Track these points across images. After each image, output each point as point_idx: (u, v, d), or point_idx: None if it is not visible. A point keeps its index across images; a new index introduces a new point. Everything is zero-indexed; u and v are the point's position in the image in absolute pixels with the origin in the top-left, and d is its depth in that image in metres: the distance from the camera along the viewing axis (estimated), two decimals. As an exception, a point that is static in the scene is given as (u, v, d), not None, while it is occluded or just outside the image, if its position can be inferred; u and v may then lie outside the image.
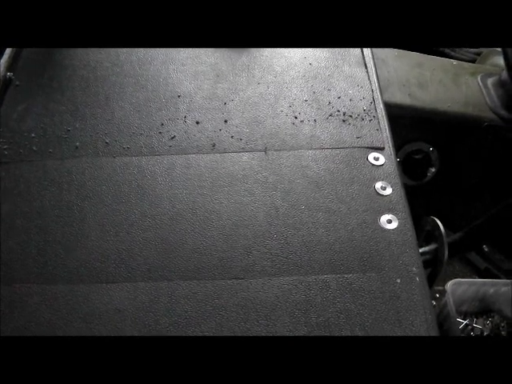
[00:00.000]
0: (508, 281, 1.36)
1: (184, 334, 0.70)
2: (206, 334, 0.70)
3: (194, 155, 0.90)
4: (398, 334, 0.72)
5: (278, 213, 0.83)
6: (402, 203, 0.85)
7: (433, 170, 1.47)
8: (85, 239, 0.80)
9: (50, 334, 0.70)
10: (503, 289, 1.33)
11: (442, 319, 1.26)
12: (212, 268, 0.76)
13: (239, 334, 0.70)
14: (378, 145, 0.93)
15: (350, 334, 0.71)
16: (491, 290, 1.33)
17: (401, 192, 0.86)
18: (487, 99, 1.47)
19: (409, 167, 1.44)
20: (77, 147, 0.92)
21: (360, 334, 0.71)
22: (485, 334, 1.38)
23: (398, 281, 0.76)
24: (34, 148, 0.92)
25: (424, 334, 0.72)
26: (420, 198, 1.46)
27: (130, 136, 0.93)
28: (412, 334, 0.72)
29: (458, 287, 1.26)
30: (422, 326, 0.72)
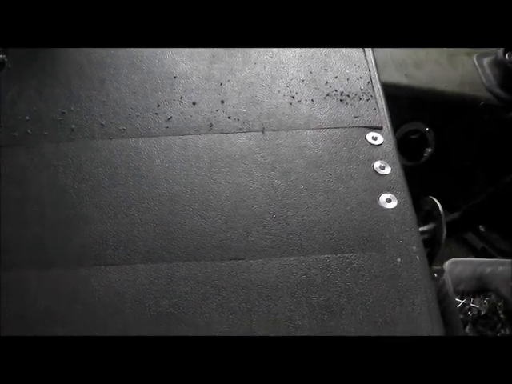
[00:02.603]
0: (505, 260, 1.37)
1: (184, 316, 0.70)
2: (207, 315, 0.70)
3: (191, 136, 0.89)
4: (399, 313, 0.72)
5: (277, 193, 0.82)
6: (400, 182, 0.85)
7: (429, 150, 1.46)
8: (82, 222, 0.79)
9: (49, 318, 0.69)
10: (500, 268, 1.34)
11: (441, 298, 1.26)
12: (211, 249, 0.76)
13: (240, 315, 0.70)
14: (376, 124, 0.92)
15: (351, 314, 0.71)
16: (488, 270, 1.33)
17: (399, 171, 0.86)
18: (483, 79, 1.46)
19: (405, 148, 1.43)
20: (72, 130, 0.91)
21: (361, 313, 0.71)
22: (482, 313, 1.39)
23: (399, 260, 0.76)
24: (29, 131, 0.90)
25: (425, 313, 0.72)
26: (417, 179, 1.46)
27: (125, 118, 0.92)
28: (413, 313, 0.72)
29: (456, 267, 1.26)
30: (422, 304, 0.72)
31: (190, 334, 0.68)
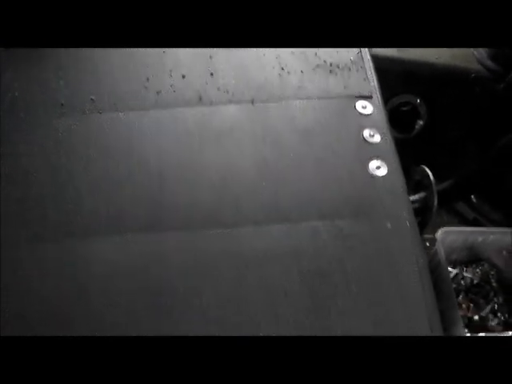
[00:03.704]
0: (496, 229, 1.38)
1: (175, 285, 0.70)
2: (196, 283, 0.71)
3: (180, 109, 0.89)
4: (390, 278, 0.72)
5: (267, 163, 0.82)
6: (390, 150, 0.85)
7: (421, 122, 1.47)
8: (73, 196, 0.79)
9: (40, 292, 0.70)
10: (491, 237, 1.35)
11: (433, 267, 1.28)
12: (202, 219, 0.77)
13: (230, 282, 0.71)
14: (366, 93, 0.92)
15: (342, 281, 0.71)
16: (480, 239, 1.34)
17: (389, 139, 0.86)
18: (474, 51, 1.46)
19: (397, 120, 1.43)
20: (62, 105, 0.91)
21: (352, 278, 0.72)
22: (475, 282, 1.41)
23: (389, 226, 0.77)
24: (19, 107, 0.90)
25: (415, 277, 0.72)
26: (408, 151, 1.46)
27: (115, 92, 0.92)
28: (403, 277, 0.73)
29: (448, 236, 1.27)
30: (413, 269, 0.73)
31: (180, 303, 0.69)
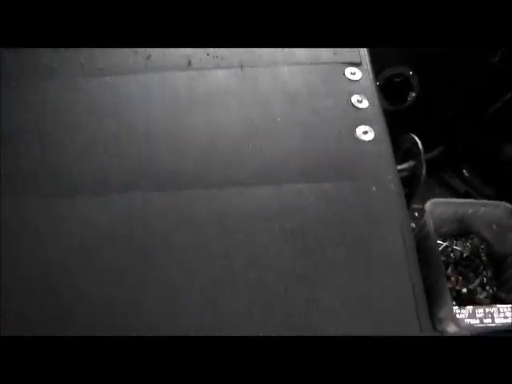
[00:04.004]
0: (486, 201, 1.37)
1: (158, 244, 0.71)
2: (181, 242, 0.71)
3: (169, 73, 0.89)
4: (374, 239, 0.73)
5: (254, 126, 0.83)
6: (378, 115, 0.85)
7: (413, 94, 1.46)
8: (60, 156, 0.80)
9: (23, 248, 0.71)
10: (482, 210, 1.34)
11: (421, 239, 1.28)
12: (188, 179, 0.77)
13: (215, 241, 0.71)
14: (355, 60, 0.92)
15: (326, 238, 0.72)
16: (470, 211, 1.33)
17: (377, 105, 0.86)
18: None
19: (389, 91, 1.43)
20: (52, 69, 0.91)
21: (336, 238, 0.72)
22: (464, 255, 1.41)
23: (374, 189, 0.77)
24: (10, 71, 0.90)
25: (399, 244, 0.73)
26: (399, 123, 1.46)
27: (104, 56, 0.92)
28: (387, 238, 0.73)
29: (437, 207, 1.27)
30: (396, 233, 0.74)
31: (166, 260, 0.70)
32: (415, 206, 1.37)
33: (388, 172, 0.79)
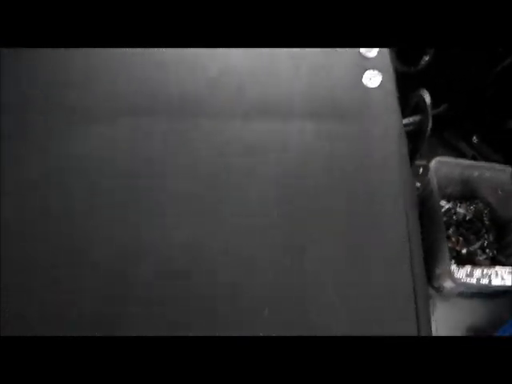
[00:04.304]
0: (492, 164, 1.37)
1: (160, 169, 0.73)
2: (181, 167, 0.73)
3: None
4: (370, 181, 0.74)
5: (261, 65, 0.84)
6: (386, 63, 0.86)
7: (426, 58, 1.45)
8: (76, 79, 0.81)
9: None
10: (487, 174, 1.34)
11: (425, 197, 1.29)
12: (193, 107, 0.78)
13: (214, 167, 0.73)
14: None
15: (323, 176, 0.73)
16: (475, 174, 1.34)
17: (386, 53, 0.87)
18: None
19: (403, 51, 1.42)
20: None
21: (337, 174, 0.73)
22: (467, 218, 1.42)
23: (376, 131, 0.78)
24: None
25: (397, 179, 0.74)
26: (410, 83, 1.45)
27: None
28: (385, 182, 0.74)
29: (442, 166, 1.27)
30: (395, 179, 0.75)
31: (167, 181, 0.72)
32: (419, 162, 1.37)
33: (391, 116, 0.80)
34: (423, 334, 0.66)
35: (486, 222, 1.43)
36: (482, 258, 1.36)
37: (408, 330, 0.66)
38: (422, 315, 0.67)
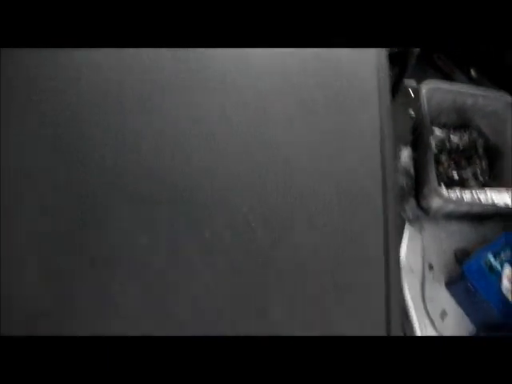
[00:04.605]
0: (486, 92, 1.36)
1: (171, 97, 0.74)
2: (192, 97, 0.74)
3: None
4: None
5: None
6: None
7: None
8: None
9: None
10: (481, 101, 1.34)
11: (417, 123, 1.29)
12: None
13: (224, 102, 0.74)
14: None
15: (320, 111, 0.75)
16: (469, 101, 1.34)
17: None
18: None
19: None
20: None
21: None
22: (460, 147, 1.43)
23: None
24: None
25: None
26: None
27: None
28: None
29: (435, 93, 1.27)
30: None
31: (175, 113, 0.73)
32: (410, 83, 1.36)
33: None
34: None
35: (480, 150, 1.44)
36: (472, 183, 1.38)
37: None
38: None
